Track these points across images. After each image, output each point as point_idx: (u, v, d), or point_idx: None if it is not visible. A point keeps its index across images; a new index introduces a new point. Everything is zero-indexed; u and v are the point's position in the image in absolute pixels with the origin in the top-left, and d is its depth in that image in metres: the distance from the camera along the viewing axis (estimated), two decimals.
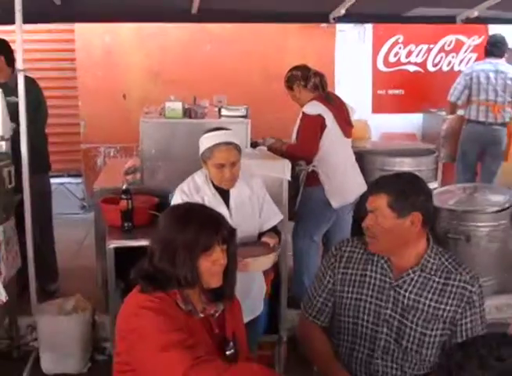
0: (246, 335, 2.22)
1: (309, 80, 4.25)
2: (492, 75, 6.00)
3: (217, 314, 2.04)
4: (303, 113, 4.19)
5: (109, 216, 3.63)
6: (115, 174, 4.41)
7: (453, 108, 6.36)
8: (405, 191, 2.21)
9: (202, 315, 1.99)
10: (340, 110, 4.34)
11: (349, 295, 2.32)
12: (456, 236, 4.32)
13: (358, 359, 2.31)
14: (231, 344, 2.06)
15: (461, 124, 6.34)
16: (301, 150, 4.16)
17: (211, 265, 1.95)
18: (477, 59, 6.86)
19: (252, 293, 3.03)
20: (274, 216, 3.11)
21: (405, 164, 4.82)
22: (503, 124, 6.08)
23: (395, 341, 2.24)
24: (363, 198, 4.47)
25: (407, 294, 2.24)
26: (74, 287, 4.22)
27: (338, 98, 4.44)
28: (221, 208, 2.79)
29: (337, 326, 2.38)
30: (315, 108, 4.18)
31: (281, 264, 3.74)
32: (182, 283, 1.93)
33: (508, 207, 4.58)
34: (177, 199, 2.98)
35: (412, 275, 2.24)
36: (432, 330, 2.22)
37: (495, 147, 6.09)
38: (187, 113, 4.07)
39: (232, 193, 2.98)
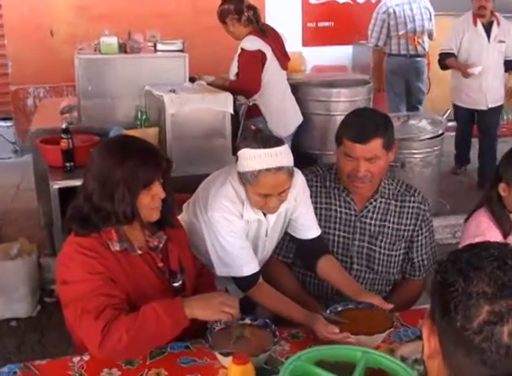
0: (194, 263, 2.19)
1: (242, 14, 4.17)
2: (406, 7, 6.24)
3: (160, 245, 2.01)
4: (242, 49, 4.15)
5: (50, 157, 3.55)
6: (50, 114, 4.29)
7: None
8: (388, 125, 2.22)
9: (140, 251, 1.95)
10: (277, 42, 4.34)
11: None
12: (391, 163, 4.43)
13: (329, 289, 2.36)
14: (178, 276, 2.05)
15: (381, 57, 6.53)
16: (245, 86, 4.14)
17: (151, 200, 1.91)
18: None
19: None
20: (314, 224, 2.33)
21: (341, 95, 4.85)
22: (424, 55, 6.36)
23: (367, 267, 2.35)
24: (301, 128, 4.56)
25: (372, 222, 2.32)
26: (16, 232, 4.16)
27: (273, 30, 4.41)
28: (261, 231, 2.27)
29: None
30: (253, 43, 4.14)
31: None
32: (121, 220, 1.88)
33: (440, 134, 4.76)
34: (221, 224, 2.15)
35: (374, 203, 2.31)
36: (397, 250, 2.36)
37: (418, 78, 6.41)
38: (122, 48, 3.97)
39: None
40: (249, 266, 2.15)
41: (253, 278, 2.17)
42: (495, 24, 5.45)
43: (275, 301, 2.17)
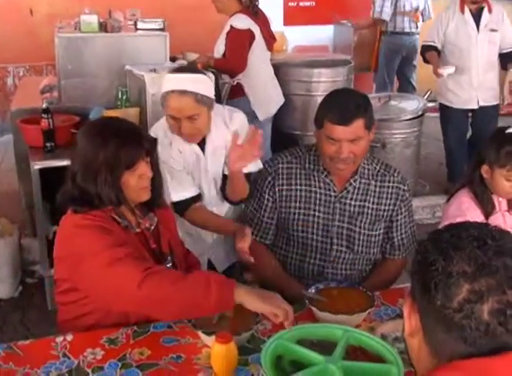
0: (182, 247, 2.24)
1: None
2: None
3: (152, 227, 2.03)
4: (231, 26, 4.12)
5: (30, 137, 3.52)
6: (30, 94, 4.25)
7: (378, 24, 6.41)
8: (368, 105, 2.21)
9: (138, 229, 1.98)
10: (265, 24, 4.34)
11: (296, 211, 2.34)
12: (372, 144, 4.46)
13: (310, 270, 2.38)
14: (168, 258, 2.07)
15: (375, 35, 6.48)
16: (231, 65, 4.13)
17: (138, 180, 1.91)
18: None
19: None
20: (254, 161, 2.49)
21: (322, 75, 4.86)
22: (418, 33, 6.34)
23: (347, 248, 2.36)
24: (282, 109, 4.56)
25: (352, 203, 2.33)
26: None
27: (261, 11, 4.40)
28: (201, 166, 2.51)
29: (286, 238, 2.41)
30: (243, 22, 4.13)
31: None
32: (106, 203, 1.88)
33: (421, 115, 4.79)
34: None
35: (353, 184, 2.32)
36: (376, 230, 2.37)
37: (415, 55, 6.36)
38: (103, 26, 3.92)
39: (209, 138, 2.52)
40: (178, 194, 2.44)
41: (184, 204, 2.47)
42: (485, 11, 4.66)
43: (204, 219, 2.51)
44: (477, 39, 4.66)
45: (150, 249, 2.01)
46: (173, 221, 2.21)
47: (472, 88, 4.74)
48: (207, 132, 2.48)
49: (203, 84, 2.36)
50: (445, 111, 4.96)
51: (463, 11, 4.67)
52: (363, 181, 2.33)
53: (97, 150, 1.86)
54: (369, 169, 2.35)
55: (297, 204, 2.34)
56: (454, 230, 1.08)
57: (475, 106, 4.77)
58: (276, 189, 2.35)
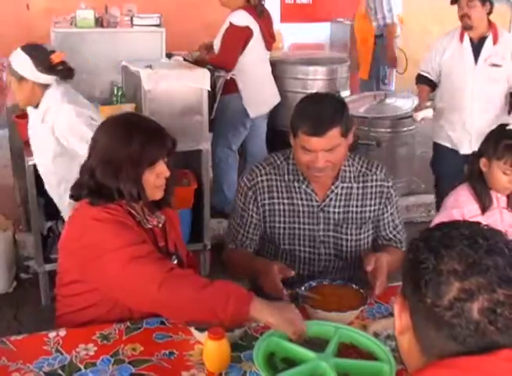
0: (185, 247, 2.24)
1: None
2: None
3: (160, 225, 2.04)
4: (230, 23, 4.11)
5: (25, 132, 3.49)
6: None
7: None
8: (344, 110, 2.11)
9: (150, 225, 1.99)
10: (267, 23, 4.34)
11: (281, 225, 2.27)
12: (367, 142, 4.47)
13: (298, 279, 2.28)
14: (174, 257, 2.07)
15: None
16: (220, 62, 4.13)
17: (155, 178, 1.93)
18: None
19: None
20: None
21: (318, 73, 4.87)
22: None
23: (335, 257, 2.30)
24: (278, 106, 4.56)
25: (336, 210, 2.26)
26: None
27: (267, 11, 4.40)
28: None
29: (273, 250, 2.34)
30: (242, 19, 4.12)
31: (203, 175, 3.79)
32: (127, 198, 1.90)
33: None
34: None
35: (335, 190, 2.24)
36: (364, 232, 2.31)
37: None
38: (99, 22, 3.92)
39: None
40: None
41: None
42: (488, 40, 3.84)
43: None
44: (473, 74, 3.86)
45: (158, 247, 2.00)
46: (178, 221, 2.22)
47: (465, 130, 3.96)
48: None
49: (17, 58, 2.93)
50: (437, 150, 4.21)
51: (462, 39, 3.89)
52: (345, 185, 2.25)
53: (121, 145, 1.87)
54: (350, 171, 2.26)
55: (281, 219, 2.26)
56: (445, 229, 1.08)
57: (467, 151, 3.77)
58: (259, 205, 2.26)
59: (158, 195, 1.98)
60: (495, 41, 3.83)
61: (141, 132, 1.89)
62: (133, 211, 1.93)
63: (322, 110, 2.07)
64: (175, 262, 2.05)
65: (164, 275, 1.73)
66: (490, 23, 3.84)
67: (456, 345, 1.02)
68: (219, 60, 4.13)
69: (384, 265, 2.06)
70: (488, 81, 3.86)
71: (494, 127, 2.50)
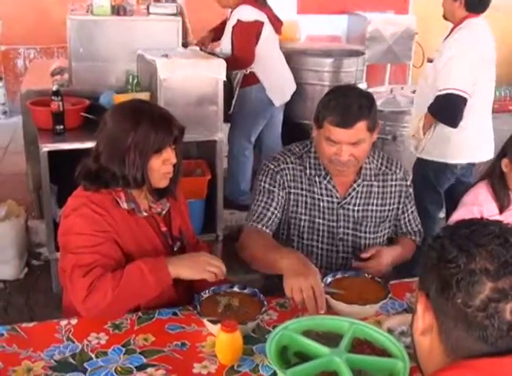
0: (193, 234, 2.25)
1: None
2: None
3: (164, 212, 2.06)
4: (238, 20, 4.07)
5: (40, 119, 3.50)
6: (41, 76, 4.22)
7: None
8: (372, 105, 2.09)
9: (146, 213, 2.00)
10: (271, 9, 4.29)
11: (303, 217, 2.25)
12: (383, 136, 4.45)
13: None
14: (178, 241, 2.10)
15: None
16: (239, 62, 4.08)
17: (161, 165, 1.94)
18: None
19: None
20: None
21: (335, 65, 4.82)
22: None
23: (353, 254, 2.28)
24: (294, 98, 4.53)
25: (356, 208, 2.24)
26: (4, 194, 4.12)
27: None
28: None
29: (290, 246, 2.28)
30: (250, 14, 4.08)
31: (217, 165, 3.77)
32: (130, 183, 1.92)
33: None
34: None
35: (357, 188, 2.23)
36: (382, 231, 2.30)
37: None
38: (115, 10, 3.89)
39: None
40: None
41: None
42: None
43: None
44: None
45: (161, 232, 2.05)
46: (186, 206, 2.23)
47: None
48: None
49: None
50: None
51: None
52: (366, 183, 2.24)
53: (127, 131, 1.89)
54: (370, 168, 2.25)
55: (303, 211, 2.24)
56: (472, 226, 1.05)
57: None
58: (286, 191, 2.23)
59: (163, 183, 1.99)
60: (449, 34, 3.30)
61: (148, 119, 1.91)
62: (122, 202, 1.95)
63: (352, 103, 2.05)
64: (179, 246, 2.09)
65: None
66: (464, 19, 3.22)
67: (486, 346, 0.99)
68: (237, 60, 4.07)
69: (382, 254, 2.13)
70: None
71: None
